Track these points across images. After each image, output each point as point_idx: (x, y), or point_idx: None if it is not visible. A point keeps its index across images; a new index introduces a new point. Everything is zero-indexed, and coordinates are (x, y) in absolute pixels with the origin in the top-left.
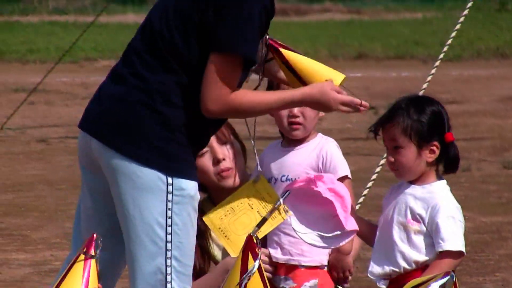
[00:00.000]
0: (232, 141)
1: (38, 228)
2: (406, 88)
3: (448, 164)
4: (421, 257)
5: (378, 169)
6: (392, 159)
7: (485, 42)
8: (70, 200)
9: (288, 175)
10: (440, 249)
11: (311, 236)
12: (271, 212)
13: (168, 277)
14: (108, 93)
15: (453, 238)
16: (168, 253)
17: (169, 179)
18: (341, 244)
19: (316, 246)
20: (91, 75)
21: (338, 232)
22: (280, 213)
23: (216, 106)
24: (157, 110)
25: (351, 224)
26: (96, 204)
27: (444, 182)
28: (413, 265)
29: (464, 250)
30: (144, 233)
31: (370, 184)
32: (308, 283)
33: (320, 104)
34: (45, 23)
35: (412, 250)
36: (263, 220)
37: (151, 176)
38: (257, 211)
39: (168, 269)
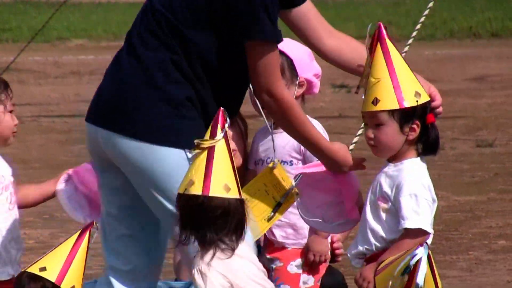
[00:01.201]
0: (235, 120)
1: None
2: None
3: (427, 146)
4: (390, 235)
5: (351, 147)
6: (372, 135)
7: (458, 22)
8: (44, 179)
9: (272, 157)
10: (400, 227)
11: (314, 220)
12: (285, 196)
13: None
14: (110, 79)
15: (413, 216)
16: None
17: (189, 154)
18: (342, 231)
19: (317, 228)
20: (63, 54)
21: (342, 221)
22: (292, 197)
23: (273, 91)
24: (160, 88)
25: (355, 213)
26: (122, 200)
27: (416, 159)
28: (383, 243)
29: (427, 228)
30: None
31: None
32: (294, 262)
33: (334, 164)
34: (17, 2)
35: (379, 227)
36: (278, 205)
37: (172, 156)
38: (272, 197)
39: None
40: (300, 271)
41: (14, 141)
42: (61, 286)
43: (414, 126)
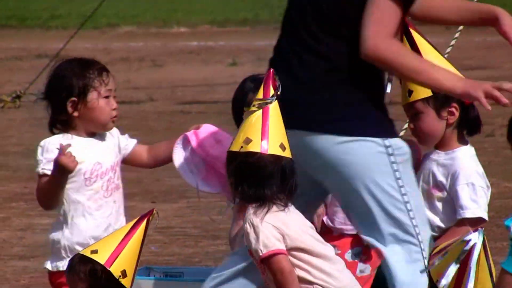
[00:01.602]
0: None
1: None
2: None
3: (470, 126)
4: (448, 224)
5: (401, 133)
6: (413, 126)
7: (509, 8)
8: None
9: None
10: (459, 217)
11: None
12: None
13: (419, 237)
14: (289, 78)
15: (472, 205)
16: (411, 213)
17: (386, 142)
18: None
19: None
20: (113, 41)
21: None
22: None
23: (373, 44)
24: (341, 79)
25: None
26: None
27: (467, 147)
28: (439, 232)
29: (485, 216)
30: (387, 203)
31: None
32: (353, 250)
33: (469, 86)
34: None
35: (435, 217)
36: None
37: (369, 146)
38: None
39: (416, 228)
40: (358, 259)
41: (113, 127)
42: (110, 269)
43: (452, 109)
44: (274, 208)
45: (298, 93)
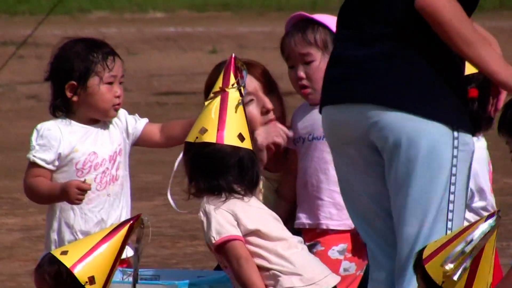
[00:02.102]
0: (277, 90)
1: None
2: None
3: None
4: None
5: None
6: None
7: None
8: None
9: (314, 134)
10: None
11: None
12: None
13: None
14: (358, 58)
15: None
16: (450, 215)
17: (455, 133)
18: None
19: None
20: (84, 27)
21: None
22: None
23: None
24: (419, 57)
25: None
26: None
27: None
28: None
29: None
30: (433, 191)
31: None
32: (337, 247)
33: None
34: None
35: None
36: None
37: (437, 131)
38: None
39: (448, 231)
40: (342, 257)
41: (116, 115)
42: (75, 273)
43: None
44: (231, 198)
45: (373, 65)
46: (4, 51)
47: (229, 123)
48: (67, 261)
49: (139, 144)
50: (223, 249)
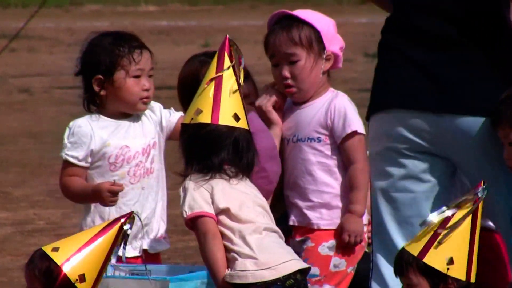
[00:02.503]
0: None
1: (21, 184)
2: None
3: None
4: None
5: None
6: None
7: None
8: (55, 154)
9: (298, 135)
10: None
11: None
12: None
13: None
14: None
15: None
16: None
17: None
18: None
19: None
20: (77, 20)
21: None
22: None
23: None
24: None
25: None
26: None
27: None
28: None
29: None
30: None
31: None
32: (327, 243)
33: None
34: None
35: None
36: None
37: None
38: None
39: None
40: (332, 253)
41: (145, 108)
42: (65, 271)
43: None
44: (216, 178)
45: (455, 73)
46: None
47: (223, 103)
48: (58, 258)
49: (173, 138)
50: (194, 225)
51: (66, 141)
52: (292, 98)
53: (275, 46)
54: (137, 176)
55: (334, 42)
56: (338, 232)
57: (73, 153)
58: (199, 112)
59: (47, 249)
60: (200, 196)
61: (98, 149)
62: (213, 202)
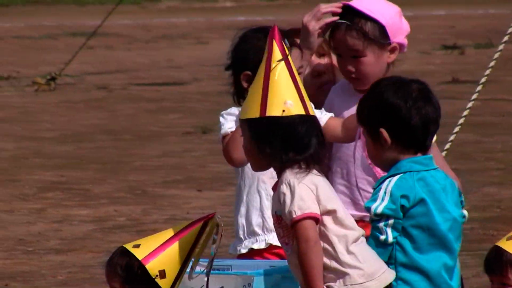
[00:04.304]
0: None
1: (100, 181)
2: (494, 26)
3: None
4: None
5: (465, 113)
6: None
7: None
8: (134, 151)
9: None
10: None
11: None
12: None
13: None
14: None
15: None
16: None
17: None
18: None
19: None
20: (153, 17)
21: None
22: None
23: None
24: None
25: None
26: None
27: None
28: None
29: None
30: None
31: (456, 129)
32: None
33: None
34: None
35: None
36: None
37: None
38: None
39: None
40: None
41: None
42: (146, 266)
43: None
44: (314, 171)
45: None
46: (73, 41)
47: (303, 92)
48: (139, 254)
49: None
50: (298, 225)
51: (222, 120)
52: (355, 86)
53: (339, 41)
54: None
55: (399, 32)
56: None
57: (230, 125)
58: (290, 104)
59: (128, 246)
60: (307, 195)
61: None
62: (319, 202)
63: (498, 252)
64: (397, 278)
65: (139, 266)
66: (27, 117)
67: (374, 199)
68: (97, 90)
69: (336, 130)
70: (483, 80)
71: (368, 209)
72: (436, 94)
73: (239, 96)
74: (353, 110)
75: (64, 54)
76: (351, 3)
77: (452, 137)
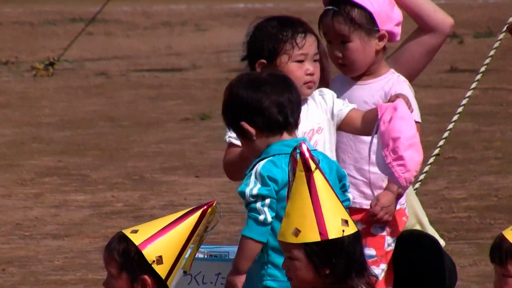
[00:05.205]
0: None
1: (99, 167)
2: (494, 16)
3: None
4: None
5: (464, 102)
6: None
7: None
8: (133, 138)
9: None
10: None
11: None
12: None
13: None
14: None
15: None
16: None
17: None
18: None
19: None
20: (153, 3)
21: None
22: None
23: None
24: None
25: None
26: None
27: None
28: None
29: None
30: None
31: (455, 118)
32: (378, 225)
33: None
34: None
35: None
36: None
37: None
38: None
39: None
40: (385, 233)
41: (310, 93)
42: (143, 251)
43: None
44: None
45: None
46: (73, 27)
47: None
48: (136, 239)
49: (342, 128)
50: None
51: None
52: (344, 73)
53: (327, 27)
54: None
55: (388, 20)
56: (371, 204)
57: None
58: (347, 222)
59: (127, 231)
60: None
61: None
62: None
63: (501, 240)
64: (268, 262)
65: (136, 252)
66: (26, 102)
67: (246, 184)
68: (96, 77)
69: (356, 122)
70: (482, 69)
71: (242, 194)
72: (436, 83)
73: None
74: (344, 95)
75: (64, 40)
76: None
77: (450, 126)
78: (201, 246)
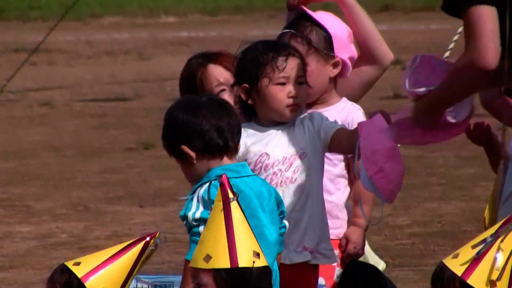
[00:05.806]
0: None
1: (43, 198)
2: (435, 41)
3: None
4: None
5: None
6: None
7: None
8: (77, 168)
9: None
10: None
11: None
12: None
13: None
14: None
15: None
16: None
17: None
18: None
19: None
20: (96, 32)
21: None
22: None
23: None
24: None
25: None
26: None
27: None
28: None
29: None
30: None
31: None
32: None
33: None
34: None
35: None
36: None
37: None
38: None
39: None
40: (335, 263)
41: (294, 116)
42: (86, 284)
43: None
44: None
45: None
46: (16, 57)
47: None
48: (79, 271)
49: (331, 150)
50: None
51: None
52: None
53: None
54: (273, 184)
55: (345, 50)
56: (342, 243)
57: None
58: (257, 254)
59: (69, 263)
60: None
61: (240, 155)
62: None
63: (442, 269)
64: None
65: (78, 284)
66: None
67: (188, 208)
68: (40, 106)
69: (343, 142)
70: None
71: (184, 218)
72: (379, 109)
73: (245, 111)
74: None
75: (7, 70)
76: (306, 9)
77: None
78: (146, 276)
